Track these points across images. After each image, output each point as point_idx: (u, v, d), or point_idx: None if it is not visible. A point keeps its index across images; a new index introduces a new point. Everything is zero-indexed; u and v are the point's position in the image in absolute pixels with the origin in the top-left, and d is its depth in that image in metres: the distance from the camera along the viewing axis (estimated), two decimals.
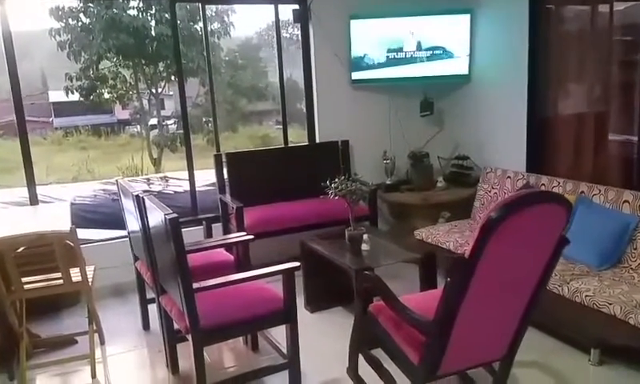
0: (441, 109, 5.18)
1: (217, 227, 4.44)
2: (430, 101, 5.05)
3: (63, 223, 3.11)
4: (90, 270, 3.32)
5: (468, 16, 4.88)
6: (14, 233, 2.88)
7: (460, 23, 4.90)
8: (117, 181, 3.41)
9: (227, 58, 14.56)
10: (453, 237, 3.91)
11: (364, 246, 3.45)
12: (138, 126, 14.45)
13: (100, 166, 14.24)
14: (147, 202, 2.76)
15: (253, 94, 15.11)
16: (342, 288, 3.64)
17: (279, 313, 2.62)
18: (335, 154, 4.88)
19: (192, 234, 4.15)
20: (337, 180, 3.45)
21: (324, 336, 3.38)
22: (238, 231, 4.02)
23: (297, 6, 4.76)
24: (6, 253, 2.74)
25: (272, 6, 4.74)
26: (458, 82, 5.06)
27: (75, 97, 12.76)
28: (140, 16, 11.42)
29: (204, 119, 12.80)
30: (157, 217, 2.54)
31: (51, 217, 3.47)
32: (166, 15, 11.41)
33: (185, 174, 5.80)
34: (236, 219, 4.03)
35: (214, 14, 12.42)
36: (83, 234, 7.25)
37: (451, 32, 4.93)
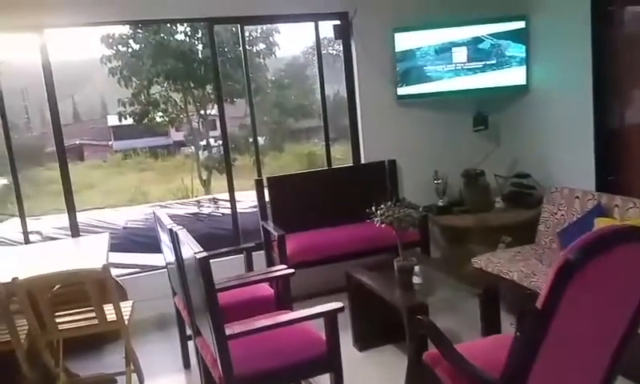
0: (496, 123, 4.83)
1: (260, 254, 4.26)
2: (484, 115, 4.70)
3: (99, 259, 2.98)
4: (127, 306, 3.19)
5: (523, 23, 4.53)
6: (49, 269, 2.79)
7: (514, 30, 4.56)
8: (154, 212, 3.27)
9: (273, 78, 14.60)
10: (516, 266, 3.54)
11: (415, 279, 3.15)
12: (193, 147, 14.66)
13: (155, 187, 14.52)
14: (180, 236, 2.59)
15: (299, 112, 15.07)
16: (394, 324, 3.34)
17: (322, 359, 2.37)
18: (382, 175, 4.62)
19: (233, 264, 3.97)
20: (383, 206, 3.18)
21: (374, 379, 3.10)
22: (281, 260, 3.81)
23: (338, 22, 4.56)
24: (38, 292, 2.63)
25: (313, 24, 4.56)
26: (514, 93, 4.70)
27: (129, 121, 13.07)
28: (187, 40, 11.59)
29: (250, 140, 12.83)
30: (189, 253, 2.36)
31: (88, 251, 3.37)
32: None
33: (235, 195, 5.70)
34: (278, 248, 3.83)
35: (258, 35, 12.49)
36: (133, 258, 7.30)
37: (505, 40, 4.59)
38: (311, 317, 2.36)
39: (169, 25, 11.46)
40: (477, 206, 4.52)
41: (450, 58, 4.64)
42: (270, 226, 4.12)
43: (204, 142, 13.41)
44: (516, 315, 1.75)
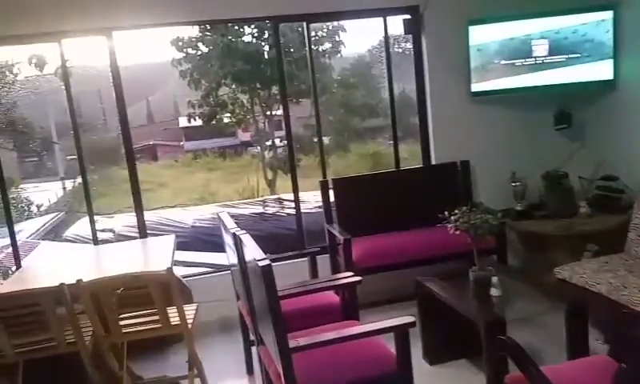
0: (580, 121, 4.45)
1: (325, 258, 4.13)
2: (566, 112, 4.35)
3: (164, 261, 2.96)
4: (191, 308, 3.15)
5: (611, 12, 4.14)
6: (115, 271, 2.79)
7: (601, 21, 4.17)
8: (218, 215, 3.21)
9: (339, 77, 14.50)
10: (604, 277, 3.19)
11: (493, 291, 2.91)
12: (259, 147, 14.85)
13: (223, 186, 14.82)
14: (244, 241, 2.50)
15: (364, 111, 14.89)
16: (467, 337, 3.11)
17: (392, 377, 2.20)
18: (454, 177, 4.37)
19: (296, 268, 3.85)
20: (457, 211, 2.96)
21: None
22: (346, 265, 3.67)
23: (408, 16, 4.35)
24: (102, 295, 2.63)
25: (381, 20, 4.38)
26: (600, 88, 4.30)
27: (197, 123, 13.40)
28: (254, 42, 11.69)
29: (315, 139, 12.80)
30: (252, 259, 2.26)
31: (154, 253, 3.37)
32: (280, 40, 11.64)
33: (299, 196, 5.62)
34: (344, 252, 3.68)
35: (324, 35, 12.42)
36: (200, 257, 7.40)
37: (590, 32, 4.21)
38: (381, 331, 2.19)
39: (236, 27, 11.62)
40: (559, 211, 4.18)
41: (529, 52, 4.32)
42: (336, 230, 3.98)
43: (270, 142, 13.52)
44: (610, 336, 1.51)
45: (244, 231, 2.59)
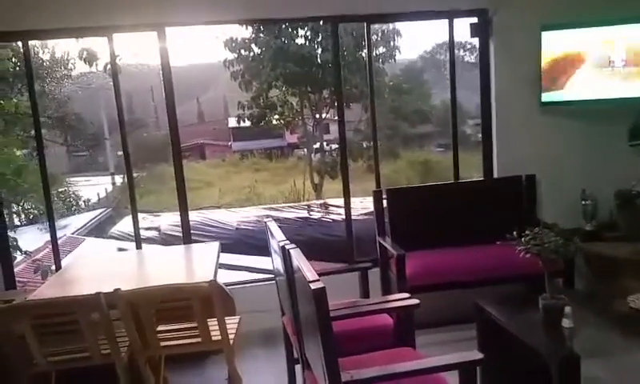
0: None
1: (375, 272, 3.89)
2: None
3: (207, 271, 2.80)
4: (234, 322, 2.99)
5: None
6: (155, 279, 2.67)
7: None
8: (265, 222, 3.04)
9: (391, 82, 14.23)
10: None
11: (565, 322, 2.60)
12: (305, 150, 14.78)
13: (268, 188, 14.80)
14: (294, 256, 2.30)
15: (415, 117, 14.56)
16: (532, 371, 2.81)
17: None
18: (517, 192, 4.06)
19: (345, 281, 3.62)
20: (528, 232, 2.66)
21: None
22: (398, 282, 3.43)
23: (475, 19, 4.07)
24: (140, 306, 2.49)
25: (441, 26, 4.13)
26: None
27: (246, 124, 13.42)
28: (307, 44, 11.57)
29: (365, 144, 12.58)
30: (302, 278, 2.06)
31: (196, 262, 3.24)
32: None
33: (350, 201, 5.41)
34: (396, 268, 3.44)
35: (379, 39, 12.17)
36: (244, 260, 7.31)
37: None
38: (445, 368, 1.95)
39: (290, 29, 11.54)
40: (633, 232, 3.82)
41: (605, 61, 3.97)
42: (388, 243, 3.74)
43: (317, 146, 13.40)
44: None
45: (294, 245, 2.39)
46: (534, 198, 4.06)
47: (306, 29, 11.40)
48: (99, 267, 3.25)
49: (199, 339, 2.63)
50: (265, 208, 9.95)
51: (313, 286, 1.84)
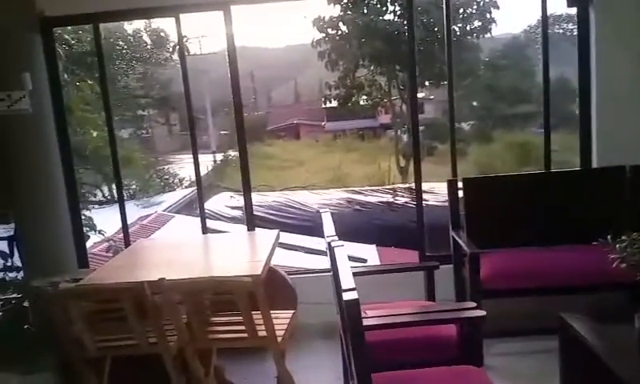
0: None
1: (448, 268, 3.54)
2: None
3: (257, 264, 2.64)
4: (285, 316, 2.82)
5: None
6: (205, 268, 2.56)
7: None
8: (321, 214, 2.83)
9: (487, 59, 13.38)
10: None
11: None
12: (399, 130, 14.40)
13: (357, 168, 14.62)
14: (337, 255, 2.08)
15: (514, 96, 13.61)
16: None
17: None
18: (619, 185, 3.50)
19: (412, 279, 3.32)
20: (625, 237, 2.22)
21: None
22: (472, 284, 3.08)
23: None
24: (184, 296, 2.39)
25: None
26: None
27: (333, 105, 13.28)
28: (396, 20, 11.13)
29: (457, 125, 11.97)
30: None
31: (251, 252, 3.10)
32: (422, 19, 10.94)
33: (431, 186, 5.08)
34: (469, 269, 3.09)
35: (474, 11, 11.42)
36: (318, 242, 7.17)
37: None
38: None
39: (378, 5, 11.13)
40: None
41: None
42: (462, 239, 3.38)
43: (406, 127, 12.94)
44: None
45: (341, 243, 2.16)
46: (639, 194, 3.48)
47: (395, 4, 10.93)
48: (157, 252, 3.23)
49: (245, 335, 2.49)
50: (347, 191, 9.74)
51: (346, 296, 1.61)
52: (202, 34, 16.81)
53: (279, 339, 2.57)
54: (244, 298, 2.37)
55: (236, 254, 3.01)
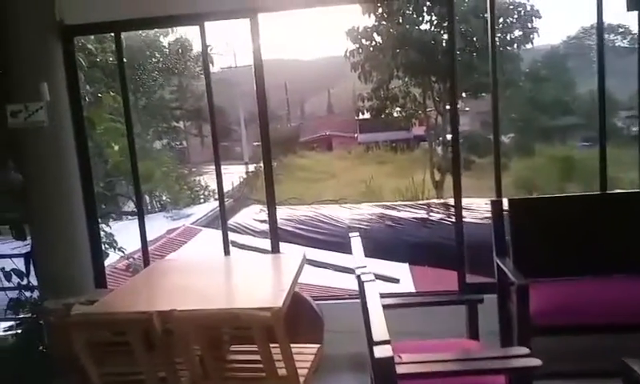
0: None
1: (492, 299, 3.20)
2: None
3: (278, 294, 2.37)
4: (310, 352, 2.54)
5: None
6: (223, 295, 2.31)
7: None
8: (351, 239, 2.55)
9: (527, 70, 12.91)
10: None
11: None
12: (434, 143, 14.05)
13: (389, 181, 14.29)
14: (368, 292, 1.80)
15: (556, 108, 13.09)
16: None
17: None
18: None
19: (454, 308, 2.99)
20: None
21: None
22: (519, 320, 2.73)
23: None
24: (195, 329, 2.15)
25: (587, 5, 3.28)
26: None
27: (366, 116, 13.04)
28: (431, 30, 10.82)
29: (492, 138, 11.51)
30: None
31: (273, 279, 2.85)
32: (461, 28, 10.59)
33: (469, 201, 4.75)
34: (517, 303, 2.74)
35: (514, 21, 11.05)
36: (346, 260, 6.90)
37: None
38: None
39: (414, 15, 10.84)
40: None
41: None
42: (509, 268, 3.03)
43: (441, 139, 12.57)
44: None
45: (372, 277, 1.88)
46: None
47: (432, 13, 10.62)
48: (174, 275, 3.00)
49: (263, 373, 2.23)
50: (380, 206, 9.41)
51: (377, 353, 1.32)
52: (237, 46, 16.91)
53: (301, 379, 2.29)
54: (262, 333, 2.11)
55: (256, 280, 2.75)
